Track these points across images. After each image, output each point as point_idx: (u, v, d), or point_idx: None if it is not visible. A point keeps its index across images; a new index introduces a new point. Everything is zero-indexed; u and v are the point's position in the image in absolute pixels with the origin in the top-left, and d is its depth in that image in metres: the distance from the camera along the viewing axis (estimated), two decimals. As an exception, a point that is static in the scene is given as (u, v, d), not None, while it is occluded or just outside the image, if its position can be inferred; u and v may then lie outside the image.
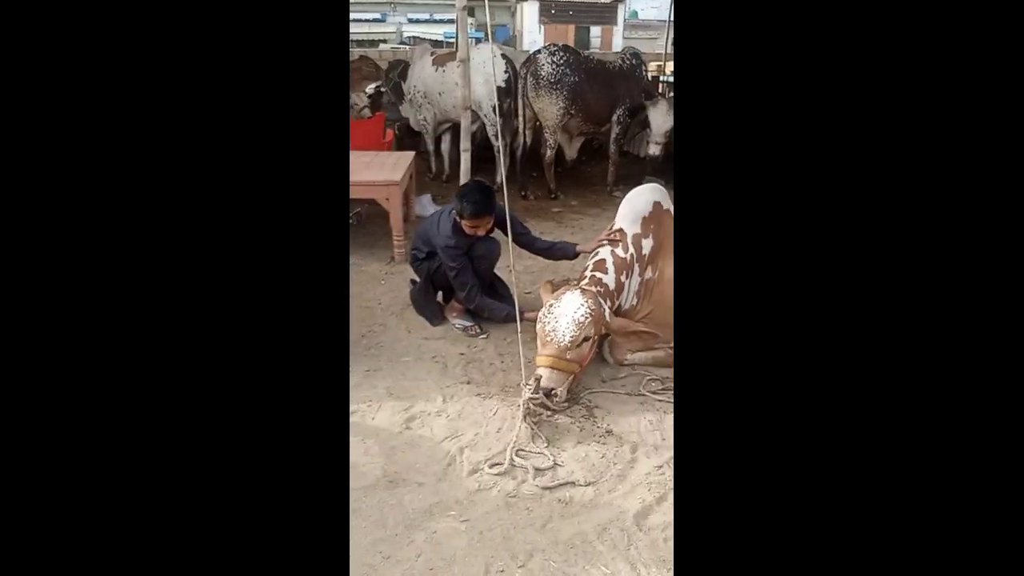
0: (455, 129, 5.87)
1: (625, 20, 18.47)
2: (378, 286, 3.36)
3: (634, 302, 2.70)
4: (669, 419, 2.26)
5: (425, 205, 4.46)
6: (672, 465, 2.00)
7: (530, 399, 2.15)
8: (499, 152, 5.43)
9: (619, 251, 2.66)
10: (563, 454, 2.04)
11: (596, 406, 2.34)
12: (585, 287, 2.47)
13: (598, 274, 2.57)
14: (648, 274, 2.71)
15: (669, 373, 2.56)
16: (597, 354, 2.68)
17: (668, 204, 2.83)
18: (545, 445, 2.07)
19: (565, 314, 2.32)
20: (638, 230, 2.70)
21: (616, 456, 2.05)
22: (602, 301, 2.46)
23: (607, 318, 2.43)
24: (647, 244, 2.70)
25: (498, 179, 5.43)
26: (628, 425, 2.22)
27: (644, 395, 2.40)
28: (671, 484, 1.92)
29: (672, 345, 2.64)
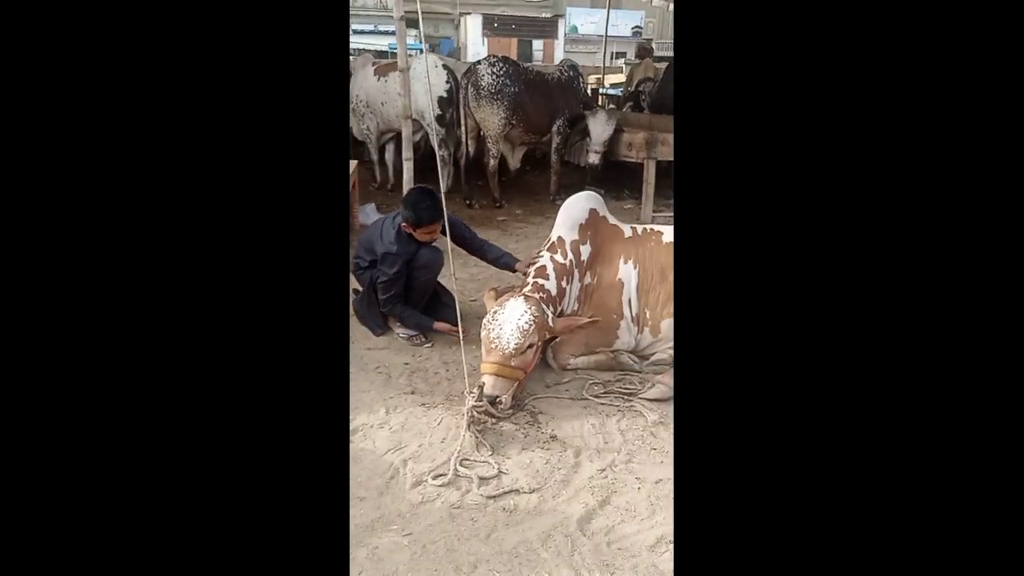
0: (399, 138, 5.84)
1: (565, 35, 18.84)
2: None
3: (575, 307, 2.73)
4: (612, 422, 2.28)
5: (369, 214, 4.40)
6: (615, 468, 2.03)
7: (473, 407, 2.13)
8: (442, 161, 5.45)
9: (558, 257, 2.68)
10: (508, 461, 2.03)
11: (540, 412, 2.34)
12: (528, 294, 2.49)
13: (540, 280, 2.59)
14: (587, 279, 2.74)
15: (610, 376, 2.59)
16: (541, 360, 2.69)
17: (604, 211, 2.88)
18: (490, 453, 2.05)
19: (509, 321, 2.32)
20: (576, 236, 2.74)
21: (560, 461, 2.05)
22: (545, 307, 2.47)
23: (550, 323, 2.45)
24: (585, 250, 2.74)
25: (442, 187, 5.43)
26: (571, 429, 2.23)
27: (587, 399, 2.42)
28: (613, 487, 1.94)
29: (612, 349, 2.69)
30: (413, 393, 2.41)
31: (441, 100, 5.07)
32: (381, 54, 11.00)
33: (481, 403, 2.15)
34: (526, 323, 2.31)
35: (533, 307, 2.37)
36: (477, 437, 2.10)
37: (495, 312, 2.38)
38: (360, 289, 2.94)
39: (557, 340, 2.69)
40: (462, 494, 1.87)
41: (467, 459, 2.01)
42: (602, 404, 2.39)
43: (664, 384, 2.46)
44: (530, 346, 2.33)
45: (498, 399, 2.23)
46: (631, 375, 2.63)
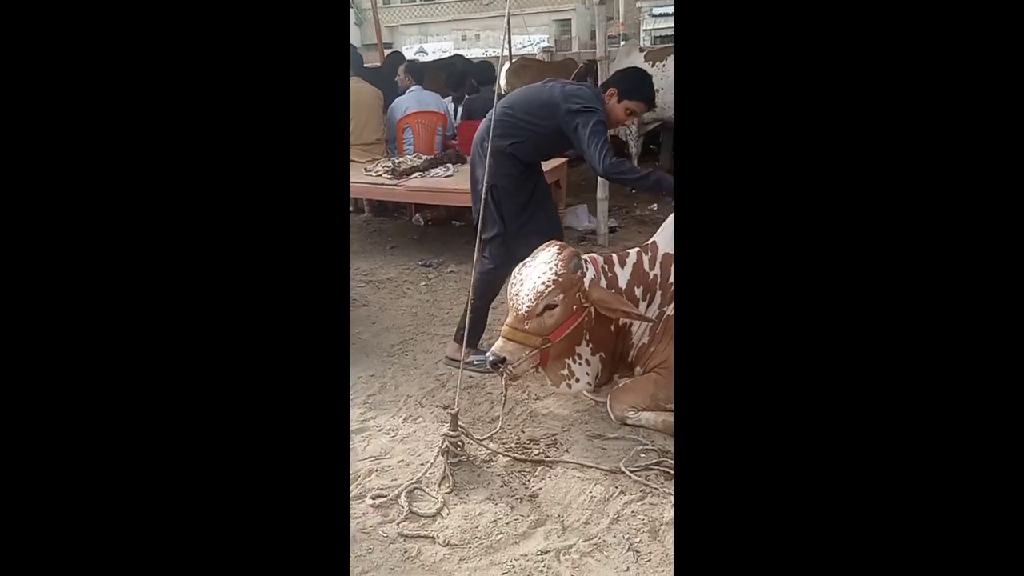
0: (667, 129, 5.53)
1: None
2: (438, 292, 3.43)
3: (645, 340, 2.24)
4: (617, 503, 1.86)
5: (581, 217, 4.32)
6: (561, 557, 1.67)
7: (446, 435, 2.01)
8: None
9: (645, 261, 2.25)
10: (458, 506, 1.87)
11: (547, 460, 2.05)
12: (571, 247, 2.15)
13: (615, 258, 2.23)
14: (671, 309, 2.22)
15: (672, 445, 2.08)
16: (595, 404, 2.33)
17: None
18: (447, 491, 1.93)
19: (529, 277, 2.07)
20: (671, 251, 2.23)
21: (510, 525, 1.79)
22: (588, 265, 2.12)
23: (585, 285, 2.09)
24: None
25: None
26: (560, 494, 1.90)
27: (620, 471, 1.98)
28: (537, 571, 1.61)
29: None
30: (445, 408, 2.39)
31: None
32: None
33: (455, 432, 2.01)
34: (543, 283, 2.03)
35: (563, 262, 2.04)
36: (447, 468, 1.99)
37: (524, 263, 2.13)
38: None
39: (618, 386, 2.28)
40: (382, 521, 1.82)
41: (421, 489, 1.94)
42: (635, 481, 1.94)
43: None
44: (547, 308, 2.03)
45: (505, 362, 2.03)
46: (704, 451, 2.06)
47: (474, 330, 2.56)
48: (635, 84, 2.46)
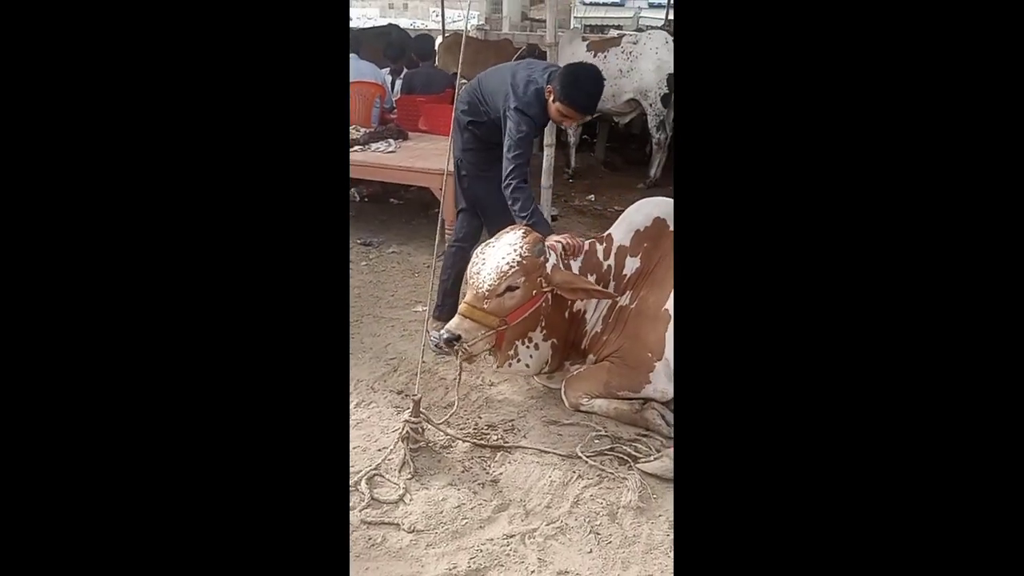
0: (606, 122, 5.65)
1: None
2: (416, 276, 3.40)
3: (599, 328, 2.31)
4: (576, 486, 1.91)
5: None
6: (527, 540, 1.71)
7: (408, 421, 1.99)
8: (658, 146, 5.11)
9: (600, 251, 2.31)
10: (420, 492, 1.87)
11: (506, 445, 2.08)
12: (535, 232, 2.18)
13: (569, 242, 2.26)
14: (625, 300, 2.30)
15: (629, 433, 2.17)
16: (549, 390, 2.39)
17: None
18: (409, 477, 1.92)
19: (492, 257, 2.09)
20: (626, 244, 2.31)
21: (474, 510, 1.81)
22: (552, 253, 2.16)
23: (547, 269, 2.13)
24: (631, 263, 2.30)
25: (653, 172, 5.12)
26: (521, 479, 1.94)
27: (577, 456, 2.03)
28: (501, 560, 1.64)
29: (638, 397, 2.23)
30: (399, 393, 2.36)
31: (671, 78, 4.87)
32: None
33: (416, 419, 2.00)
34: (507, 263, 2.05)
35: (528, 245, 2.08)
36: (407, 455, 1.98)
37: (487, 244, 2.16)
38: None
39: (571, 373, 2.35)
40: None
41: (381, 476, 1.91)
42: (591, 465, 2.00)
43: (671, 459, 1.97)
44: (509, 289, 2.06)
45: (460, 340, 2.03)
46: (653, 437, 2.16)
47: (444, 303, 2.57)
48: (571, 90, 2.23)
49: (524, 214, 2.26)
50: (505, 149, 2.30)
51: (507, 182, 2.29)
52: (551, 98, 2.30)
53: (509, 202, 2.30)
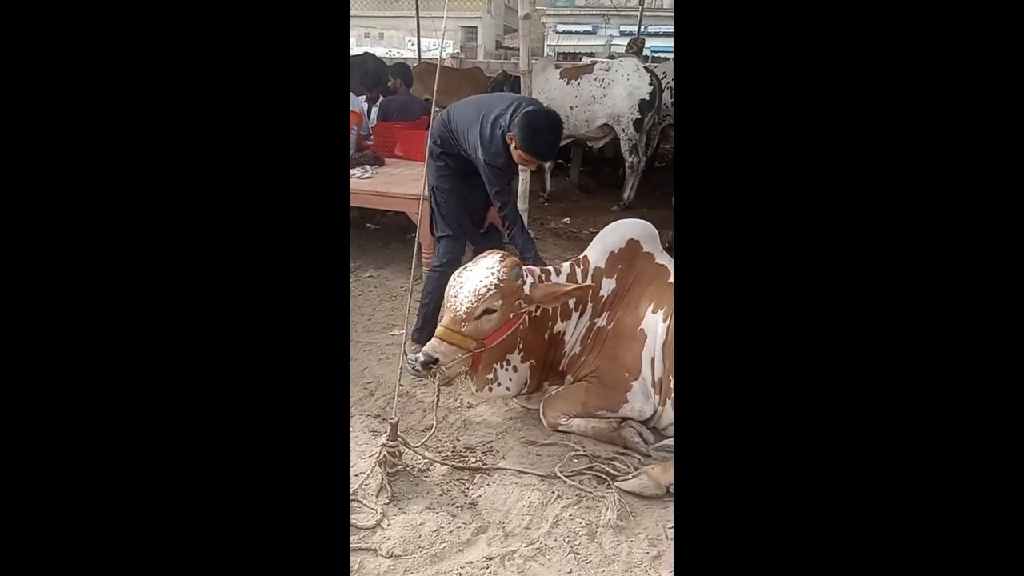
0: (577, 147, 5.76)
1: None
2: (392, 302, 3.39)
3: (577, 349, 2.33)
4: (555, 507, 1.91)
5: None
6: (507, 563, 1.70)
7: (385, 445, 1.98)
8: (631, 168, 5.21)
9: (578, 272, 2.34)
10: (398, 516, 1.85)
11: (484, 468, 2.07)
12: (516, 256, 2.23)
13: (551, 269, 2.32)
14: (602, 320, 2.33)
15: (608, 451, 2.17)
16: (527, 411, 2.39)
17: (651, 245, 2.39)
18: (387, 501, 1.90)
19: (470, 280, 2.10)
20: (602, 265, 2.34)
21: (453, 533, 1.79)
22: (529, 275, 2.18)
23: (526, 290, 2.14)
24: (607, 285, 2.33)
25: (627, 195, 5.22)
26: (499, 500, 1.93)
27: (556, 476, 2.02)
28: (482, 583, 1.63)
29: (616, 416, 2.24)
30: (376, 417, 2.34)
31: (643, 104, 5.01)
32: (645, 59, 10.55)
33: (394, 442, 1.98)
34: (484, 286, 2.06)
35: (506, 269, 2.10)
36: (385, 479, 1.96)
37: (464, 268, 2.18)
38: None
39: (549, 394, 2.36)
40: (320, 536, 1.77)
41: (358, 501, 1.89)
42: (570, 485, 1.99)
43: (650, 476, 1.98)
44: (486, 312, 2.07)
45: (437, 362, 2.02)
46: (631, 455, 2.17)
47: (425, 326, 2.60)
48: (531, 140, 2.30)
49: (515, 227, 2.52)
50: (491, 195, 2.52)
51: (505, 226, 2.54)
52: (512, 144, 2.37)
53: (503, 216, 2.55)
